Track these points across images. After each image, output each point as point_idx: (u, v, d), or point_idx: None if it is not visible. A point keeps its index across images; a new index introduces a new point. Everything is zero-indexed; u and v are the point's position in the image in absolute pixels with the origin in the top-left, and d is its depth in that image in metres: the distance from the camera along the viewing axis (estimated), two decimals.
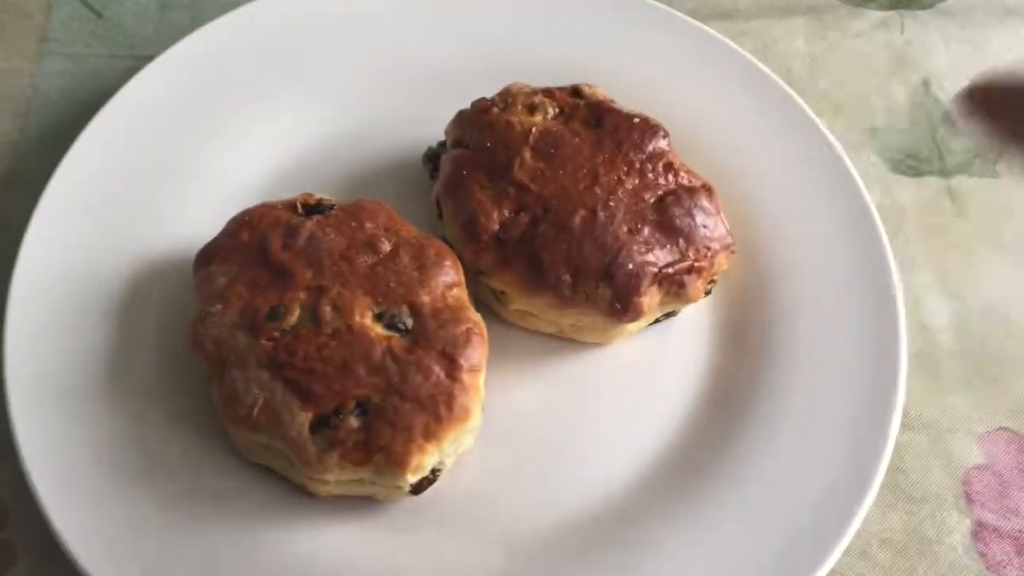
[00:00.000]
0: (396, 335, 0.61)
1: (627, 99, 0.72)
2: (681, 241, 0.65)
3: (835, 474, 0.63)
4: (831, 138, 0.76)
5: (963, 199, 0.81)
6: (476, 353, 0.61)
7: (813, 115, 0.77)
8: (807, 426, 0.65)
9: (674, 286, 0.65)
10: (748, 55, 0.80)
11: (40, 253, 0.66)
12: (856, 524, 0.60)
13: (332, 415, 0.58)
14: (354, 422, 0.58)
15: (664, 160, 0.68)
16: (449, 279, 0.63)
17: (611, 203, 0.65)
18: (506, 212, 0.65)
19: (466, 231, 0.66)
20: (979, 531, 0.65)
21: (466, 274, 0.65)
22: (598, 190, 0.66)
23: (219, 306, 0.61)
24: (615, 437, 0.66)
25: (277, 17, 0.79)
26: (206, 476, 0.62)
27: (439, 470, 0.61)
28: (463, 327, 0.61)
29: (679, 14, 0.82)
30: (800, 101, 0.77)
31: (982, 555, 0.64)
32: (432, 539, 0.62)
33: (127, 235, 0.69)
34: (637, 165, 0.67)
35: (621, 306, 0.63)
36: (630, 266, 0.64)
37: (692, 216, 0.66)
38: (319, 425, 0.58)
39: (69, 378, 0.63)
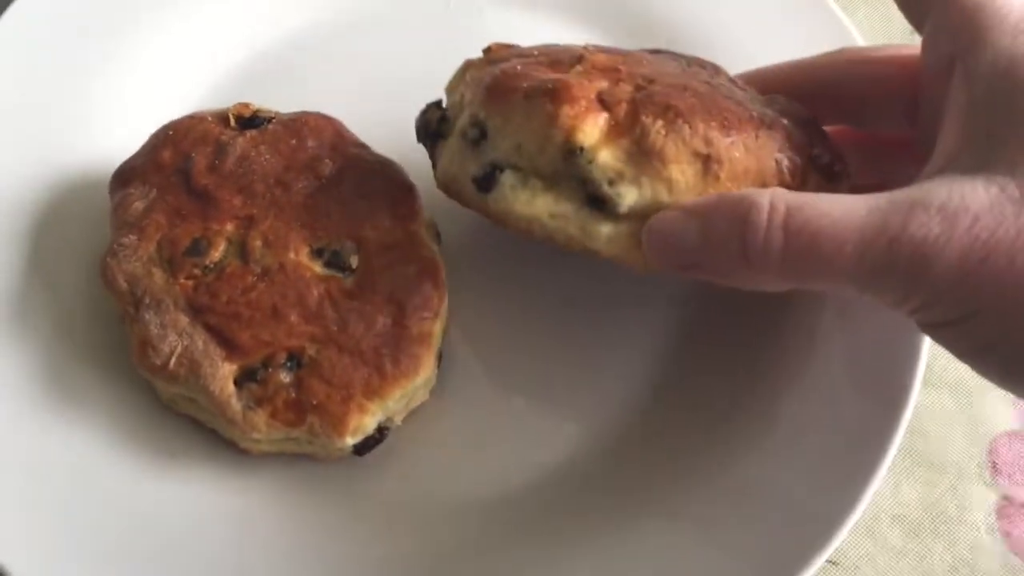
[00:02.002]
0: (337, 275, 0.53)
1: None
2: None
3: (842, 439, 0.54)
4: (859, 40, 0.65)
5: None
6: (429, 298, 0.53)
7: (840, 13, 0.66)
8: (813, 381, 0.56)
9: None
10: None
11: None
12: (866, 497, 0.52)
13: (260, 368, 0.51)
14: (284, 377, 0.51)
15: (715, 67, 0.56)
16: (402, 209, 0.55)
17: (709, 80, 0.52)
18: (601, 82, 0.49)
19: (559, 96, 0.48)
20: (1004, 507, 0.58)
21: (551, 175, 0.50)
22: (693, 77, 0.52)
23: (134, 237, 0.53)
24: (593, 387, 0.58)
25: None
26: (125, 427, 0.55)
27: (387, 428, 0.54)
28: (415, 267, 0.53)
29: None
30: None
31: (1007, 535, 0.57)
32: (379, 502, 0.55)
33: (43, 149, 0.61)
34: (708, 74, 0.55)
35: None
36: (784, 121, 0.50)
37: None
38: (245, 379, 0.51)
39: None
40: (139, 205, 0.54)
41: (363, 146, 0.57)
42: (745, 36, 0.67)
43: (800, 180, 0.49)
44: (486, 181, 0.50)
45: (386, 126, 0.61)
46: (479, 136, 0.51)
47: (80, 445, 0.54)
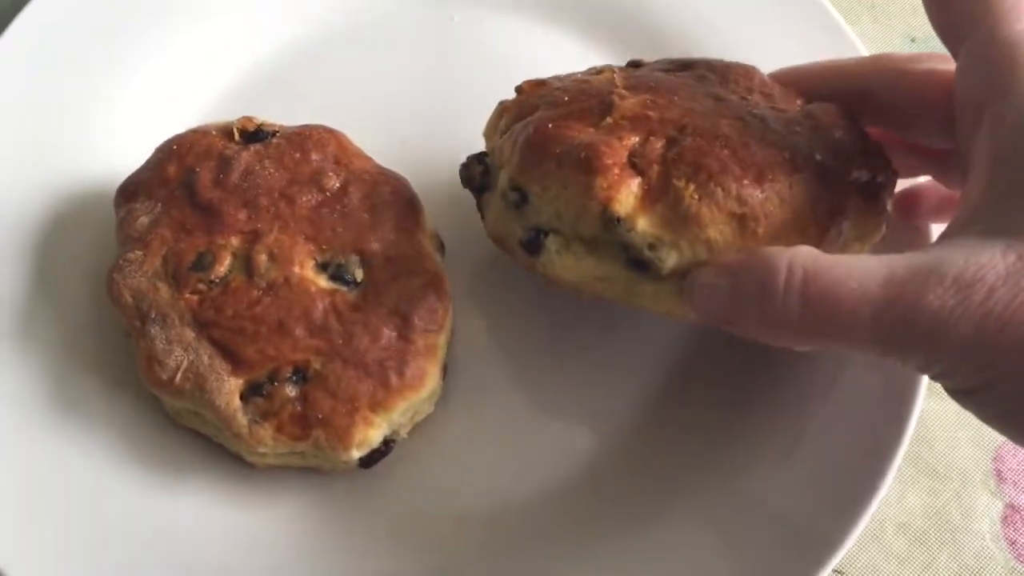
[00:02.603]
0: (342, 289, 0.53)
1: None
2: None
3: (847, 448, 0.54)
4: (859, 46, 0.65)
5: None
6: (434, 310, 0.53)
7: (841, 19, 0.66)
8: (817, 391, 0.56)
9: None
10: None
11: None
12: (872, 507, 0.52)
13: (265, 382, 0.51)
14: (290, 390, 0.51)
15: (763, 82, 0.55)
16: (406, 222, 0.55)
17: (753, 111, 0.51)
18: (630, 139, 0.49)
19: (584, 167, 0.48)
20: (1010, 516, 0.58)
21: (588, 239, 0.51)
22: (724, 107, 0.51)
23: (139, 252, 0.53)
24: (598, 399, 0.58)
25: None
26: (132, 441, 0.55)
27: (393, 441, 0.54)
28: (420, 279, 0.53)
29: None
30: (827, 3, 0.66)
31: (1011, 544, 0.57)
32: (385, 515, 0.55)
33: (48, 163, 0.60)
34: (751, 85, 0.54)
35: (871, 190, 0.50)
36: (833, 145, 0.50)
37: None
38: (251, 393, 0.51)
39: None
40: (144, 220, 0.54)
41: (367, 159, 0.57)
42: (744, 42, 0.66)
43: (839, 217, 0.49)
44: (532, 245, 0.51)
45: (389, 138, 0.62)
46: (520, 200, 0.51)
47: (86, 459, 0.54)
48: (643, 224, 0.48)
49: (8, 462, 0.53)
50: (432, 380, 0.53)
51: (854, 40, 0.65)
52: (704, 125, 0.49)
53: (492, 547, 0.54)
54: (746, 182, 0.47)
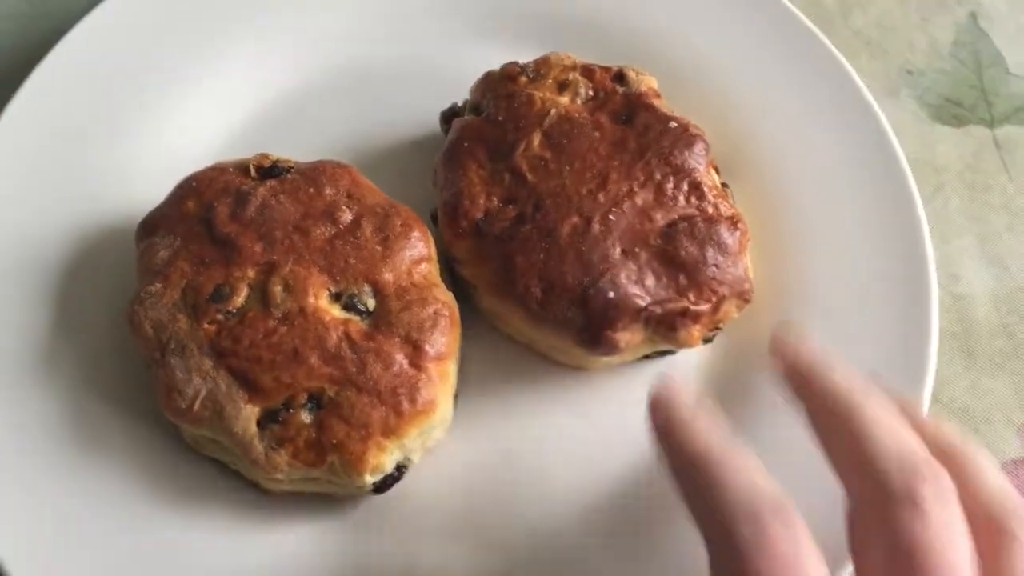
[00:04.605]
0: (355, 318, 0.54)
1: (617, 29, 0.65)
2: (682, 277, 0.56)
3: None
4: (856, 80, 0.67)
5: (1012, 152, 0.72)
6: (444, 338, 0.54)
7: (837, 54, 0.68)
8: None
9: (663, 327, 0.55)
10: None
11: None
12: None
13: (281, 409, 0.52)
14: (305, 417, 0.52)
15: (691, 178, 0.58)
16: (416, 253, 0.56)
17: (611, 216, 0.56)
18: (495, 200, 0.57)
19: (448, 212, 0.58)
20: None
21: (443, 257, 0.58)
22: (601, 197, 0.56)
23: (159, 284, 0.55)
24: (606, 435, 0.59)
25: None
26: (151, 469, 0.56)
27: (405, 467, 0.55)
28: (430, 309, 0.55)
29: None
30: (824, 39, 0.68)
31: None
32: (398, 540, 0.56)
33: (69, 200, 0.63)
34: (657, 177, 0.57)
35: (591, 337, 0.55)
36: (611, 294, 0.54)
37: (703, 250, 0.56)
38: (267, 420, 0.52)
39: None
40: (164, 253, 0.56)
41: (378, 192, 0.59)
42: (751, 77, 0.68)
43: None
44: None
45: (397, 171, 0.64)
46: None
47: (106, 486, 0.55)
48: (467, 274, 0.58)
49: (31, 488, 0.54)
50: (444, 406, 0.54)
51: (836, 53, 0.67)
52: (554, 215, 0.56)
53: (504, 572, 0.55)
54: None
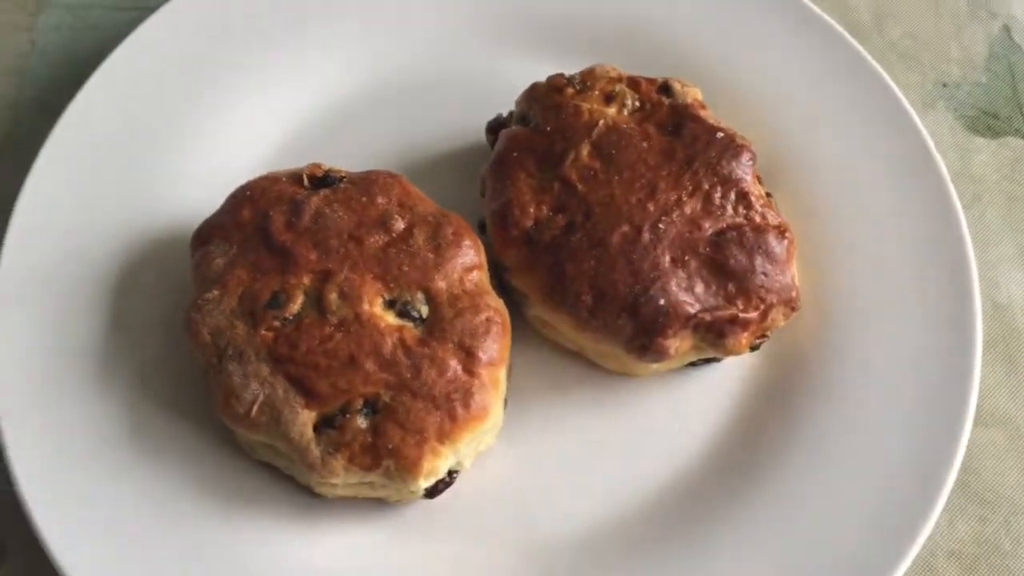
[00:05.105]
0: (409, 325, 0.55)
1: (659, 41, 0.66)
2: (731, 285, 0.57)
3: (897, 479, 0.56)
4: (898, 94, 0.67)
5: None
6: (496, 345, 0.55)
7: (878, 67, 0.68)
8: (867, 423, 0.58)
9: (711, 334, 0.56)
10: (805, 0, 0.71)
11: (28, 230, 0.61)
12: (923, 536, 0.54)
13: (338, 415, 0.53)
14: (361, 422, 0.53)
15: (739, 188, 0.59)
16: (468, 261, 0.57)
17: (661, 225, 0.57)
18: (544, 209, 0.58)
19: (497, 220, 0.59)
20: None
21: (492, 265, 0.59)
22: (651, 207, 0.57)
23: (216, 291, 0.56)
24: (651, 444, 0.60)
25: None
26: (205, 473, 0.57)
27: (456, 472, 0.56)
28: (483, 316, 0.55)
29: None
30: (864, 52, 0.69)
31: None
32: (449, 545, 0.57)
33: (122, 209, 0.64)
34: (705, 187, 0.58)
35: (642, 344, 0.56)
36: (661, 302, 0.55)
37: (752, 259, 0.57)
38: (323, 425, 0.53)
39: (56, 364, 0.58)
40: (220, 261, 0.57)
41: (428, 201, 0.60)
42: (788, 88, 0.69)
43: None
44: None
45: (442, 181, 0.65)
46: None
47: (162, 490, 0.56)
48: (517, 282, 0.59)
49: (88, 492, 0.55)
50: (496, 412, 0.55)
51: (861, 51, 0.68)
52: (604, 224, 0.57)
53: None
54: None
